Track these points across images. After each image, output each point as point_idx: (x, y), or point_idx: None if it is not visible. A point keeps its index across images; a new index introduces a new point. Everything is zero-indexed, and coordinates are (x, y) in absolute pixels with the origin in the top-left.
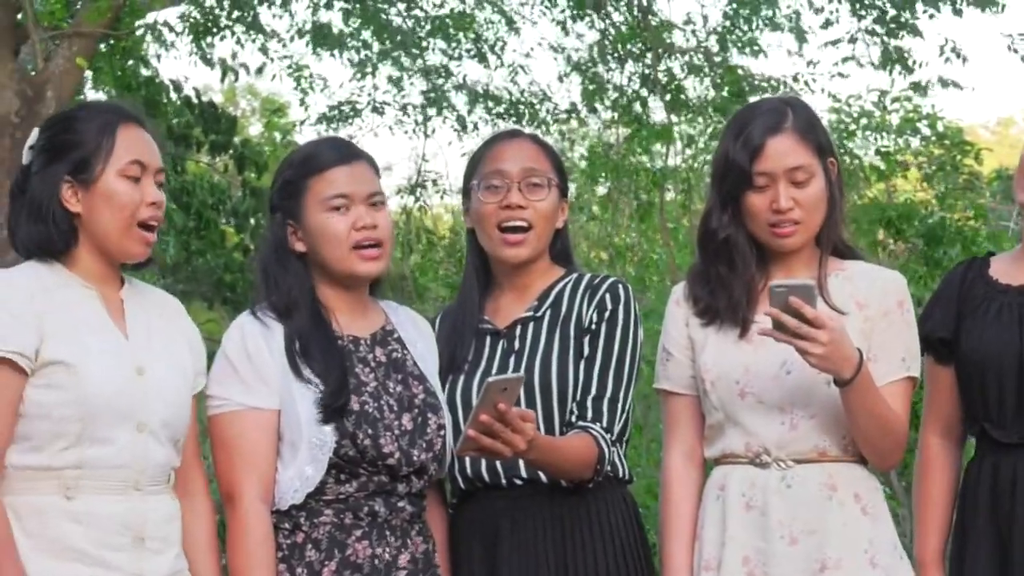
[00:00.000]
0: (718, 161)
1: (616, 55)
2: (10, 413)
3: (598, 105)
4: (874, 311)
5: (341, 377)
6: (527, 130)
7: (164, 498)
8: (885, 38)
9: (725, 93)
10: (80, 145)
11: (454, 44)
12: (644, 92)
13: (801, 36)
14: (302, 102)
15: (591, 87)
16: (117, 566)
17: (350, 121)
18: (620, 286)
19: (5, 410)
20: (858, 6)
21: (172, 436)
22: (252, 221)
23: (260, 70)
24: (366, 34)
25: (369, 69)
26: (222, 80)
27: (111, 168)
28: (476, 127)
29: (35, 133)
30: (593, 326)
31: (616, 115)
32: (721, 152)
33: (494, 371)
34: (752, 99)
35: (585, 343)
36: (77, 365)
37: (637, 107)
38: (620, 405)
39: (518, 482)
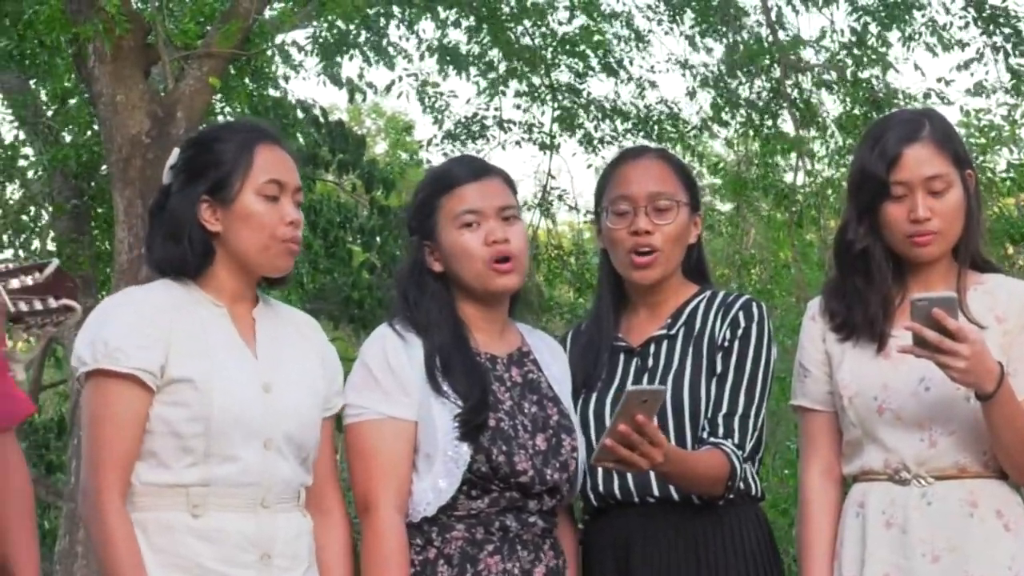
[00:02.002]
0: (854, 172)
1: (745, 70)
2: (136, 430)
3: (727, 119)
4: (1013, 325)
5: (483, 394)
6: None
7: (293, 515)
8: (1013, 54)
9: (855, 109)
10: (218, 165)
11: (581, 61)
12: (773, 107)
13: (933, 51)
14: (435, 120)
15: (720, 102)
16: None
17: (476, 139)
18: (754, 304)
19: (131, 427)
20: (990, 25)
21: (299, 453)
22: (379, 240)
23: (388, 89)
24: (492, 52)
25: (496, 87)
26: (350, 100)
27: (249, 187)
28: (603, 142)
29: (175, 153)
30: (726, 344)
31: (745, 130)
32: (857, 163)
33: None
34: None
35: (718, 360)
36: (203, 382)
37: (766, 122)
38: (752, 422)
39: (650, 499)
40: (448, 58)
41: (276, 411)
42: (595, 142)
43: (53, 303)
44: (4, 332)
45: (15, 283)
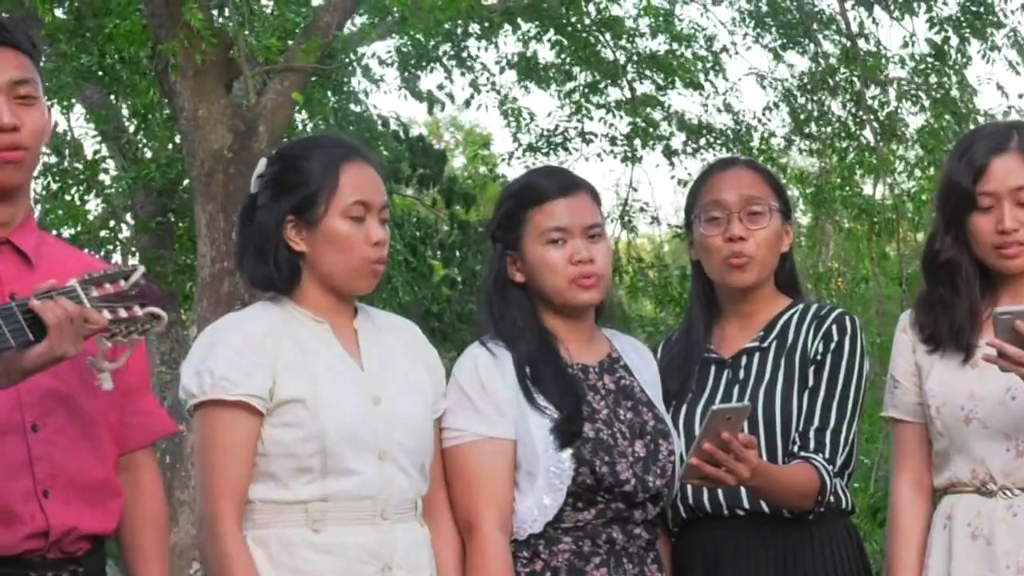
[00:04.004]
0: (942, 183)
1: (826, 85)
2: (249, 456)
3: (809, 132)
4: None
5: (575, 401)
6: (743, 157)
7: (412, 525)
8: None
9: (937, 122)
10: (305, 184)
11: (663, 75)
12: (855, 120)
13: (1015, 69)
14: (514, 137)
15: (801, 116)
16: None
17: (558, 151)
18: (847, 318)
19: (244, 454)
20: None
21: (415, 462)
22: (459, 254)
23: (468, 102)
24: (572, 65)
25: (577, 100)
26: (429, 112)
27: (334, 209)
28: (685, 153)
29: (262, 163)
30: (818, 357)
31: (826, 144)
32: (945, 174)
33: (718, 400)
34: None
35: (810, 374)
36: (313, 401)
37: (847, 135)
38: (843, 437)
39: (740, 512)
40: (529, 70)
41: (388, 422)
42: (678, 154)
43: (139, 311)
44: (95, 342)
45: (99, 291)
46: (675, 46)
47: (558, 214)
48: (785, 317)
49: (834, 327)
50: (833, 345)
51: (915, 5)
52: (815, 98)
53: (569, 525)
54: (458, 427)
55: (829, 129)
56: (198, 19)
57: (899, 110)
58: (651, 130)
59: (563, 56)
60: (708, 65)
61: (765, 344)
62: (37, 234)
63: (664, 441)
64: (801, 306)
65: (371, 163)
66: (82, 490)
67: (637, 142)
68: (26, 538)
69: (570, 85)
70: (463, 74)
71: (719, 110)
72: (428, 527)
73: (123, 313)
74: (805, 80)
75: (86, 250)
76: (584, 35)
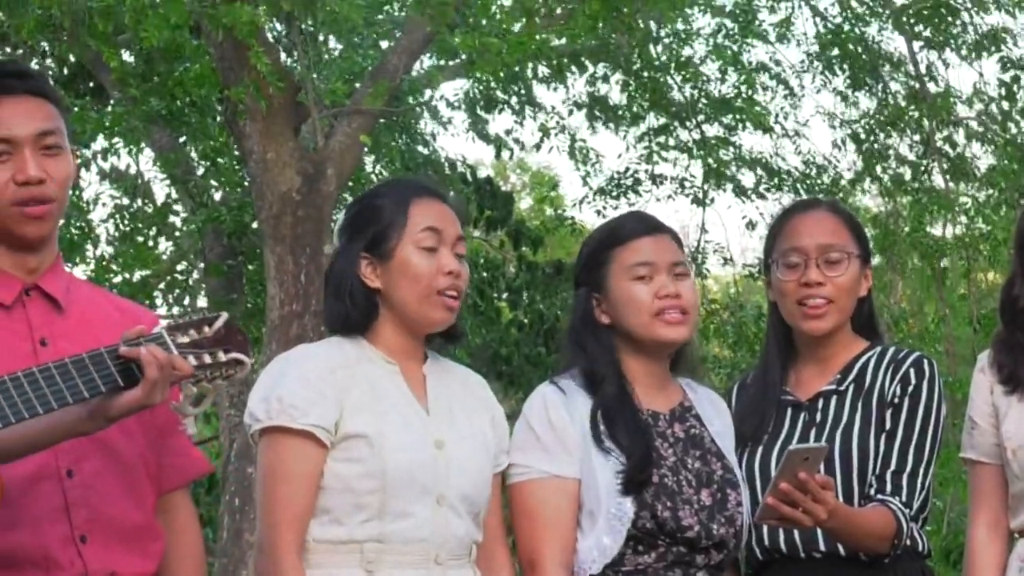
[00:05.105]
0: (1018, 228)
1: (895, 126)
2: (312, 486)
3: (877, 173)
4: None
5: (646, 450)
6: (824, 198)
7: (465, 571)
8: None
9: (1008, 163)
10: (376, 221)
11: (734, 115)
12: (924, 161)
13: None
14: (584, 181)
15: (871, 157)
16: None
17: (627, 194)
18: (925, 361)
19: (306, 483)
20: None
21: (472, 510)
22: (526, 297)
23: (538, 146)
24: (641, 105)
25: (648, 141)
26: (497, 156)
27: (406, 240)
28: (756, 193)
29: (341, 215)
30: (896, 400)
31: (896, 184)
32: (1021, 219)
33: (795, 442)
34: None
35: (887, 417)
36: (376, 438)
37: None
38: (920, 480)
39: (816, 554)
40: (597, 112)
41: (449, 468)
42: (748, 193)
43: (223, 356)
44: (178, 387)
45: (184, 338)
46: (744, 88)
47: (644, 250)
48: (863, 360)
49: (912, 370)
50: (911, 388)
51: (985, 44)
52: (883, 139)
53: (630, 568)
54: (525, 464)
55: (897, 169)
56: (264, 64)
57: (967, 150)
58: (723, 171)
59: (632, 97)
60: (777, 108)
61: (842, 387)
62: (66, 278)
63: (732, 491)
64: (879, 349)
65: (444, 199)
66: (121, 534)
67: (708, 183)
68: None
69: (639, 128)
70: (533, 117)
71: (793, 151)
72: None
73: (208, 359)
74: (872, 122)
75: (156, 294)
76: (653, 77)
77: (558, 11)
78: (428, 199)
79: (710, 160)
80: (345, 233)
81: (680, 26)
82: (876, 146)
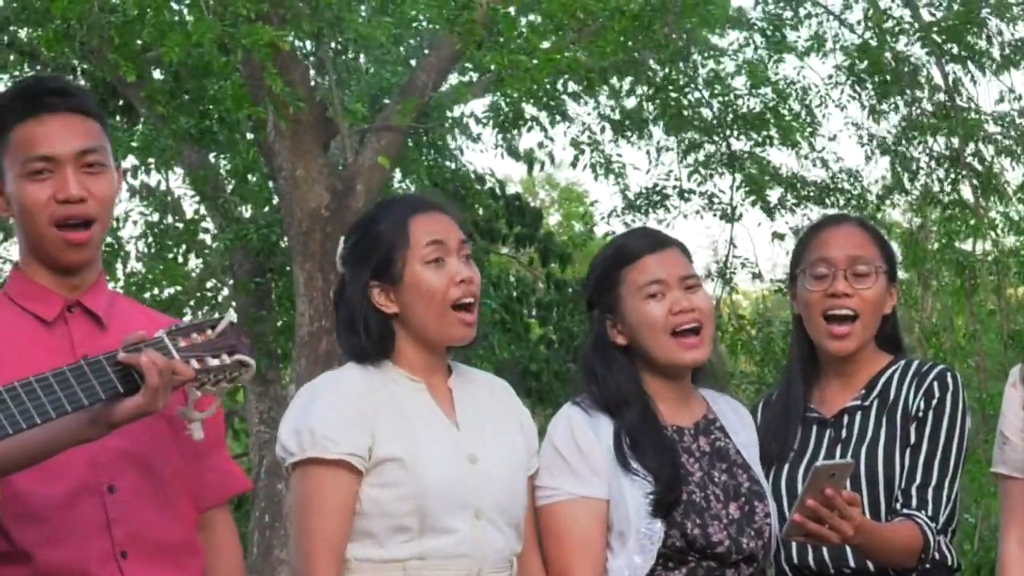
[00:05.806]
0: None
1: (923, 141)
2: (347, 515)
3: (906, 187)
4: None
5: (674, 472)
6: (854, 214)
7: None
8: None
9: None
10: (378, 246)
11: (762, 130)
12: (953, 175)
13: None
14: (623, 194)
15: (900, 171)
16: None
17: (656, 209)
18: (949, 374)
19: (342, 510)
20: None
21: (510, 521)
22: (555, 314)
23: (573, 164)
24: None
25: (678, 155)
26: (528, 172)
27: (412, 259)
28: (784, 207)
29: (341, 242)
30: (920, 414)
31: (925, 199)
32: None
33: (821, 459)
34: None
35: (912, 431)
36: (410, 460)
37: (945, 188)
38: (946, 494)
39: (845, 571)
40: (626, 127)
41: (484, 481)
42: (776, 208)
43: (227, 359)
44: (186, 392)
45: (186, 342)
46: (773, 100)
47: (652, 268)
48: (887, 375)
49: (935, 384)
50: (935, 402)
51: (1014, 57)
52: (911, 154)
53: None
54: (553, 486)
55: (925, 181)
56: (279, 85)
57: (995, 164)
58: (753, 186)
59: (659, 111)
60: (804, 122)
61: (867, 403)
62: (108, 295)
63: (760, 503)
64: (902, 363)
65: (441, 210)
66: (161, 550)
67: (737, 197)
68: None
69: (666, 141)
70: (565, 133)
71: (820, 165)
72: None
73: (211, 362)
74: (900, 136)
75: (185, 311)
76: (681, 93)
77: (586, 26)
78: (425, 213)
79: (740, 175)
80: (348, 262)
81: (715, 39)
82: (907, 156)
